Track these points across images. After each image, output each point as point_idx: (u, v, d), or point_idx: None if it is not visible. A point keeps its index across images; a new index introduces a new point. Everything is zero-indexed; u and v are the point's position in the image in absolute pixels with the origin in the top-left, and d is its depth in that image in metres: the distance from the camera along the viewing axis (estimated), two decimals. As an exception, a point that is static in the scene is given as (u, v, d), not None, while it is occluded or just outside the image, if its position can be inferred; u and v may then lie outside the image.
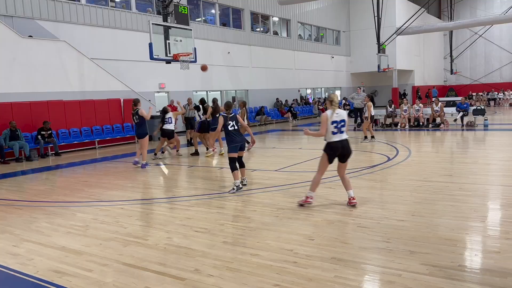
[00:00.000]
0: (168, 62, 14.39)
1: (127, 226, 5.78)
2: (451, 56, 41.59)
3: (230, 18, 24.55)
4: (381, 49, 27.87)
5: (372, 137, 13.79)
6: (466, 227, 5.08)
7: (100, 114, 16.41)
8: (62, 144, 14.84)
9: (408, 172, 8.72)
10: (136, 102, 10.92)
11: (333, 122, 6.03)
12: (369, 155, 11.28)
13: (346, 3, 35.88)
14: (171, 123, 12.27)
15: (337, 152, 6.15)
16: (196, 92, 22.94)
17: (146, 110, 10.96)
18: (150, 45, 13.14)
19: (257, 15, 26.67)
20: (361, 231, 5.10)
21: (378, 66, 27.41)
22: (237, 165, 7.64)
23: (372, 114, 13.89)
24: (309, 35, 32.14)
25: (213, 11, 23.70)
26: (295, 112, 26.62)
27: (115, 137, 16.71)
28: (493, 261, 4.05)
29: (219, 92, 24.30)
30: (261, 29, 27.31)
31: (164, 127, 12.23)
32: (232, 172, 7.57)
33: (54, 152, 14.21)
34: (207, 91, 23.80)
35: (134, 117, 10.78)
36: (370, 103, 13.72)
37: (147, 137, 10.87)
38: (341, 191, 7.18)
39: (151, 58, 13.38)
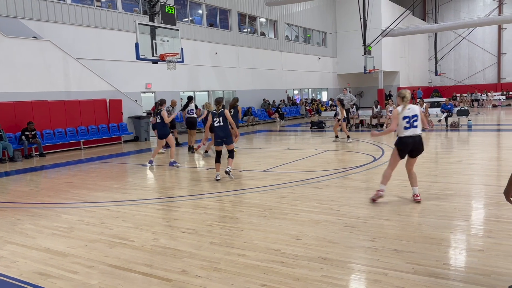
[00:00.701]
0: (154, 62, 14.31)
1: (113, 228, 5.73)
2: (435, 57, 42.23)
3: (217, 18, 24.52)
4: (367, 50, 28.16)
5: (348, 137, 14.17)
6: (450, 226, 5.15)
7: (86, 115, 16.23)
8: (47, 144, 14.64)
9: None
10: (162, 102, 11.13)
11: (404, 117, 6.06)
12: (355, 155, 11.37)
13: (332, 5, 36.13)
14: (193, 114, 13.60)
15: (408, 147, 6.15)
16: (183, 93, 22.85)
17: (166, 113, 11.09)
18: (137, 45, 13.05)
19: (244, 16, 26.68)
20: (348, 230, 5.14)
21: (364, 68, 27.69)
22: (222, 157, 8.62)
23: (345, 116, 14.68)
24: (296, 36, 32.27)
25: (200, 11, 23.64)
26: (282, 113, 26.70)
27: (101, 137, 16.55)
28: (477, 259, 4.11)
29: (206, 92, 24.25)
30: (248, 30, 27.33)
31: (187, 116, 13.53)
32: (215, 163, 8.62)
33: (38, 153, 14.01)
34: (194, 92, 23.72)
35: (156, 117, 10.98)
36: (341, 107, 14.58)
37: (170, 135, 11.14)
38: (328, 191, 7.24)
39: (138, 58, 13.28)
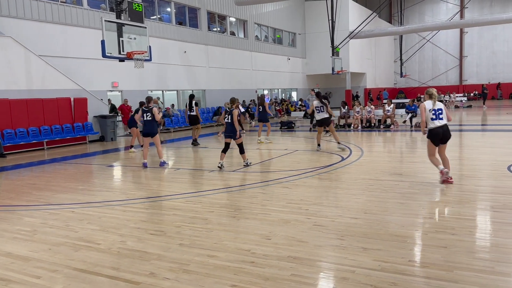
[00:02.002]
0: (121, 60, 14.02)
1: (78, 230, 5.57)
2: (401, 59, 43.34)
3: (186, 17, 24.29)
4: (335, 52, 28.56)
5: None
6: (415, 224, 5.30)
7: (49, 114, 15.72)
8: (8, 145, 14.09)
9: (361, 171, 8.98)
10: (150, 99, 10.81)
11: (430, 110, 7.19)
12: (324, 155, 11.52)
13: (301, 6, 36.49)
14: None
15: (439, 136, 7.21)
16: (151, 92, 22.51)
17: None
18: (103, 42, 12.75)
19: (213, 15, 26.56)
20: (317, 229, 5.19)
21: (332, 69, 28.08)
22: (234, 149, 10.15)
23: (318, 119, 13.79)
24: (265, 36, 32.40)
25: (168, 9, 23.36)
26: (252, 113, 26.72)
27: (65, 137, 16.07)
28: (440, 255, 4.24)
29: (175, 91, 23.99)
30: (218, 29, 27.22)
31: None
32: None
33: (-2, 153, 13.47)
34: (162, 91, 23.42)
35: (146, 114, 10.51)
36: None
37: (157, 135, 10.73)
38: (298, 191, 7.30)
39: (104, 55, 12.99)
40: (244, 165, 9.95)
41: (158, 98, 16.25)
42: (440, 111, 7.20)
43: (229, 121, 9.70)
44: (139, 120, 11.60)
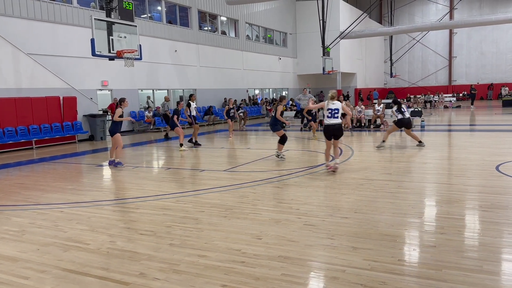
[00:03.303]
0: (111, 59, 13.93)
1: (67, 230, 5.52)
2: (391, 60, 43.67)
3: (177, 15, 24.18)
4: (325, 52, 28.66)
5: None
6: (404, 223, 5.33)
7: (38, 113, 15.55)
8: (-5, 144, 13.93)
9: (351, 171, 9.02)
10: (121, 101, 10.59)
11: (328, 109, 8.45)
12: (315, 155, 11.55)
13: (292, 6, 36.54)
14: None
15: (330, 132, 8.59)
16: (141, 91, 22.39)
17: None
18: (92, 41, 12.65)
19: (204, 14, 26.48)
20: (307, 229, 5.20)
21: (323, 69, 28.17)
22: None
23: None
24: (256, 36, 32.39)
25: (159, 7, 23.24)
26: (244, 112, 26.67)
27: (54, 136, 15.92)
28: (430, 255, 4.28)
29: (166, 91, 23.88)
30: (209, 28, 27.15)
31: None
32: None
33: (-14, 152, 13.30)
34: (153, 90, 23.30)
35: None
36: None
37: (117, 135, 10.41)
38: (288, 191, 7.31)
39: (93, 54, 12.89)
40: (275, 155, 10.73)
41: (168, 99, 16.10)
42: (336, 111, 8.40)
43: (273, 115, 10.85)
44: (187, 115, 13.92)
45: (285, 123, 11.04)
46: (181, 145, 13.06)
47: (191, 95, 15.29)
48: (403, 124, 12.21)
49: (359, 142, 14.25)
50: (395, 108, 12.25)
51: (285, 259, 4.27)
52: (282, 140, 10.63)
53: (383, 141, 12.37)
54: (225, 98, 27.31)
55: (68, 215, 6.29)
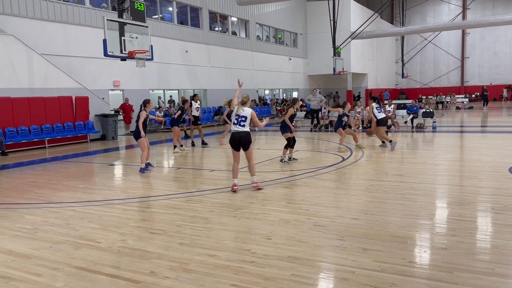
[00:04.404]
0: (123, 59, 14.03)
1: (79, 229, 5.59)
2: (402, 60, 43.34)
3: (188, 16, 24.29)
4: (336, 52, 28.54)
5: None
6: (415, 225, 5.30)
7: (51, 112, 15.74)
8: (9, 143, 14.11)
9: (361, 172, 8.99)
10: (144, 103, 10.08)
11: (236, 115, 7.44)
12: (325, 155, 11.52)
13: (303, 6, 36.47)
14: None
15: (236, 141, 7.42)
16: (152, 91, 22.54)
17: (152, 113, 10.46)
18: (104, 41, 12.77)
19: (215, 15, 26.55)
20: (317, 229, 5.20)
21: (334, 69, 28.03)
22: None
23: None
24: (267, 36, 32.39)
25: (170, 8, 23.36)
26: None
27: (66, 136, 16.09)
28: (441, 257, 4.25)
29: (177, 91, 24.00)
30: (220, 28, 27.22)
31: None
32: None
33: (0, 151, 13.48)
34: (164, 90, 23.44)
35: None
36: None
37: (141, 139, 9.89)
38: (298, 191, 7.31)
39: (105, 54, 13.00)
40: (280, 160, 10.37)
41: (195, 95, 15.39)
42: (243, 119, 7.39)
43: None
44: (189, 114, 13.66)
45: (291, 129, 10.18)
46: (175, 147, 12.96)
47: (194, 95, 15.18)
48: (384, 123, 12.56)
49: (369, 143, 14.17)
50: (375, 105, 12.39)
51: (294, 260, 4.28)
52: (288, 144, 10.27)
53: (383, 142, 12.53)
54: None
55: (80, 214, 6.36)
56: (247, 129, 7.42)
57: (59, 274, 4.15)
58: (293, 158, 10.53)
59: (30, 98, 15.11)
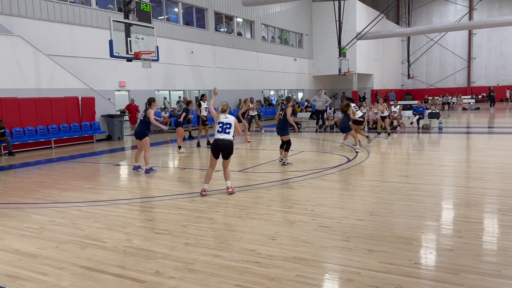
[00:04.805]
0: (129, 60, 14.11)
1: (85, 228, 5.62)
2: (408, 61, 43.14)
3: (194, 17, 24.36)
4: (342, 53, 28.48)
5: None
6: (421, 226, 5.27)
7: (57, 113, 15.83)
8: (16, 143, 14.21)
9: (367, 173, 8.96)
10: (149, 101, 9.95)
11: (219, 122, 7.21)
12: (330, 156, 11.50)
13: (308, 7, 36.43)
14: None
15: (218, 148, 7.16)
16: (158, 92, 22.60)
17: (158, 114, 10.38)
18: (111, 42, 12.84)
19: (221, 15, 26.60)
20: (322, 230, 5.19)
21: (339, 70, 27.97)
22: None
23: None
24: (272, 37, 32.39)
25: (176, 9, 23.43)
26: (258, 113, 26.71)
27: (73, 136, 16.18)
28: (446, 258, 4.22)
29: (182, 92, 24.05)
30: (225, 29, 27.26)
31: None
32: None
33: (7, 151, 13.59)
34: (169, 91, 23.51)
35: (142, 114, 9.92)
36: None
37: (147, 138, 9.87)
38: (303, 192, 7.30)
39: (111, 55, 13.07)
40: (279, 160, 10.31)
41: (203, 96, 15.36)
42: (228, 126, 7.19)
43: (281, 118, 10.33)
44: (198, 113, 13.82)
45: (294, 127, 10.44)
46: (179, 147, 12.97)
47: (202, 95, 15.24)
48: (360, 122, 13.31)
49: (375, 144, 14.13)
50: (353, 105, 13.06)
51: (299, 260, 4.27)
52: (288, 147, 10.07)
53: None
54: (240, 99, 27.31)
55: (85, 214, 6.39)
56: (231, 137, 7.20)
57: (65, 273, 4.17)
58: (288, 163, 10.08)
59: (37, 99, 15.21)
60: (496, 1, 42.38)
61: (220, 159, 7.24)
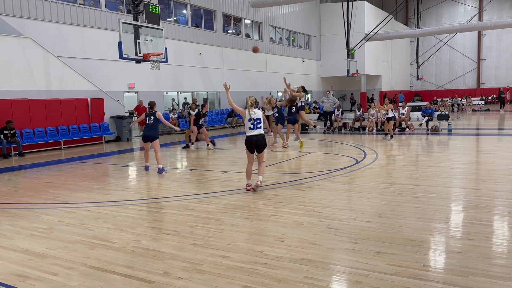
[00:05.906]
0: (137, 61, 14.21)
1: (94, 229, 5.66)
2: (417, 62, 42.88)
3: (202, 19, 24.44)
4: (350, 54, 28.40)
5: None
6: (430, 228, 5.24)
7: (66, 114, 15.98)
8: (26, 144, 14.37)
9: (375, 174, 8.92)
10: (152, 104, 10.14)
11: (250, 119, 7.39)
12: (338, 158, 11.46)
13: (317, 8, 36.39)
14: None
15: (253, 143, 7.41)
16: (166, 93, 22.72)
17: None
18: (120, 44, 12.93)
19: (229, 17, 26.66)
20: (330, 232, 5.17)
21: (347, 71, 27.90)
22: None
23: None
24: (280, 38, 32.39)
25: (184, 11, 23.53)
26: (267, 115, 26.64)
27: (82, 137, 16.32)
28: (456, 261, 4.19)
29: (190, 93, 24.13)
30: (233, 31, 27.31)
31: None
32: None
33: (17, 152, 13.74)
34: (177, 92, 23.60)
35: (148, 118, 9.98)
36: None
37: (158, 140, 10.04)
38: (311, 193, 7.29)
39: (120, 57, 13.16)
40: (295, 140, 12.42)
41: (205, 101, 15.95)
42: (258, 121, 7.42)
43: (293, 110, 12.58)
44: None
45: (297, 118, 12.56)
46: (192, 143, 14.10)
47: (192, 103, 15.11)
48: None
49: (384, 146, 14.07)
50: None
51: (307, 262, 4.26)
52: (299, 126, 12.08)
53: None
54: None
55: (94, 214, 6.44)
56: (262, 131, 7.50)
57: (74, 273, 4.21)
58: (300, 139, 12.89)
59: (47, 100, 15.36)
60: (506, 2, 41.99)
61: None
